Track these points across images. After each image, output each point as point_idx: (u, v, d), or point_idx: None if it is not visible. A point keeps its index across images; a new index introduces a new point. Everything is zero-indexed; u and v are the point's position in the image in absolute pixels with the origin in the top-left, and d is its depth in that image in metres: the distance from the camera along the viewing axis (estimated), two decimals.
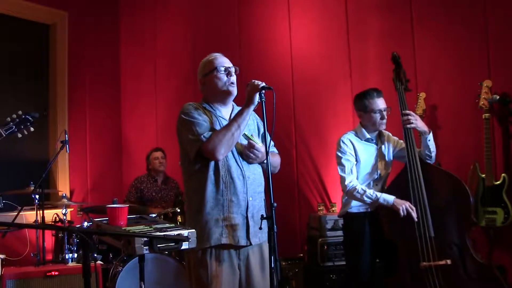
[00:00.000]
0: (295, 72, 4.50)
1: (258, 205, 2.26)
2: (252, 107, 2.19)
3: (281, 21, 4.59)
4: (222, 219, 2.21)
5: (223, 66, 2.30)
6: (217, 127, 2.26)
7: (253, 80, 2.21)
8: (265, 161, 2.30)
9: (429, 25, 3.59)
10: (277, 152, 2.51)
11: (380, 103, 2.99)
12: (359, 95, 3.09)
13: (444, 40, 3.50)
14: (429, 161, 3.02)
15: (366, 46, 4.01)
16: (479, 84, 3.13)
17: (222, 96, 2.32)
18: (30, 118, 2.97)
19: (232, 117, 2.31)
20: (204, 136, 2.19)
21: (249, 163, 2.29)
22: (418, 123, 2.93)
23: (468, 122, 3.33)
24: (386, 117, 2.99)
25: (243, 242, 2.22)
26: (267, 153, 2.08)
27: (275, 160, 2.43)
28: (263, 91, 2.13)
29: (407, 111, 2.96)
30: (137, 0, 6.02)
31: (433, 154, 3.00)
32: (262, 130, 2.45)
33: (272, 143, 2.51)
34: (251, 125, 2.38)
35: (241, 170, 2.26)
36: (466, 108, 3.33)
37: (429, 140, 2.95)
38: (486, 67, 3.27)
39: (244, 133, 2.28)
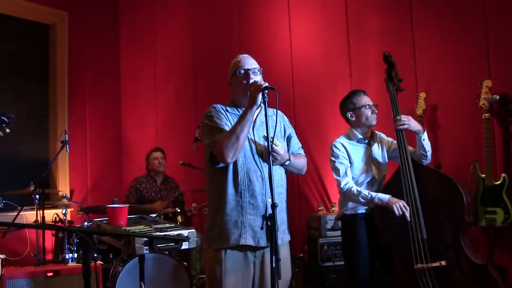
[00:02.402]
0: (295, 72, 4.50)
1: (278, 206, 2.25)
2: (255, 108, 2.19)
3: (281, 21, 4.59)
4: (241, 220, 2.22)
5: (243, 69, 2.31)
6: None
7: (256, 80, 2.21)
8: (286, 163, 2.30)
9: (429, 25, 3.59)
10: (304, 155, 2.50)
11: (368, 98, 3.03)
12: (344, 98, 3.12)
13: (444, 40, 3.50)
14: (424, 161, 3.00)
15: (366, 46, 4.01)
16: (479, 84, 3.13)
17: (243, 97, 2.32)
18: (5, 119, 2.94)
19: (256, 118, 2.33)
20: (214, 141, 2.21)
21: (271, 164, 2.28)
22: (411, 123, 2.91)
23: (468, 122, 3.33)
24: (376, 111, 3.01)
25: (263, 243, 2.23)
26: (269, 153, 2.07)
27: (299, 162, 2.42)
28: (266, 91, 2.13)
29: (398, 116, 2.93)
30: (137, 0, 6.02)
31: (429, 154, 2.99)
32: (288, 132, 2.45)
33: (299, 144, 2.51)
34: (276, 126, 2.34)
35: (261, 172, 2.26)
36: (466, 108, 3.33)
37: (423, 140, 2.93)
38: (486, 67, 3.27)
39: (264, 135, 2.27)
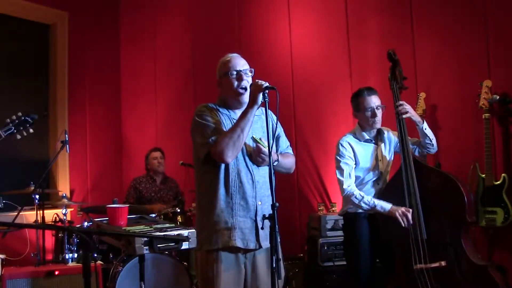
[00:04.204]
0: (295, 72, 4.50)
1: (267, 209, 2.24)
2: (256, 108, 2.18)
3: (281, 21, 4.59)
4: (231, 222, 2.21)
5: (235, 70, 2.29)
6: None
7: (257, 80, 2.20)
8: (275, 163, 2.29)
9: (429, 25, 3.59)
10: (292, 154, 2.50)
11: (372, 101, 2.95)
12: (353, 95, 3.08)
13: (444, 40, 3.50)
14: (431, 150, 3.00)
15: (366, 46, 4.00)
16: (479, 84, 3.13)
17: (234, 99, 2.31)
18: (29, 120, 2.97)
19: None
20: (212, 140, 2.20)
21: (258, 166, 2.29)
22: (412, 111, 2.92)
23: (468, 122, 3.33)
24: (378, 115, 2.95)
25: (252, 245, 2.23)
26: (270, 154, 2.07)
27: (288, 161, 2.41)
28: (267, 91, 2.12)
29: (400, 102, 2.92)
30: (137, 0, 6.02)
31: (434, 142, 2.98)
32: (277, 132, 2.43)
33: (287, 143, 2.50)
34: (264, 127, 2.33)
35: (251, 174, 2.26)
36: (466, 108, 3.33)
37: (425, 129, 2.94)
38: (486, 67, 3.27)
39: (253, 137, 2.27)
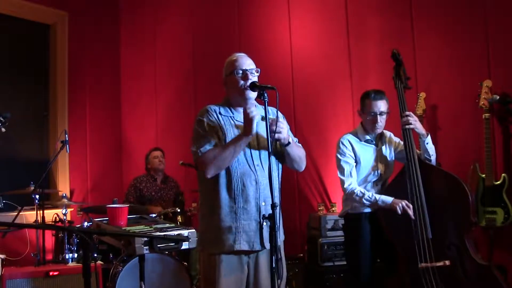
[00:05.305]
0: (295, 72, 4.50)
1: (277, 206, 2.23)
2: (250, 137, 2.17)
3: (281, 21, 4.59)
4: (235, 226, 2.20)
5: (241, 69, 2.27)
6: (229, 135, 2.24)
7: (248, 110, 2.15)
8: (290, 141, 2.25)
9: (429, 25, 3.59)
10: (301, 146, 2.47)
11: (377, 105, 2.93)
12: (362, 94, 3.06)
13: (444, 40, 3.50)
14: None
15: (366, 46, 4.01)
16: (479, 84, 3.13)
17: (239, 98, 2.30)
18: (1, 119, 2.94)
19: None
20: (200, 151, 2.21)
21: (274, 138, 2.17)
22: (417, 124, 2.91)
23: (468, 122, 3.34)
24: (380, 121, 2.94)
25: (257, 247, 2.21)
26: (269, 153, 2.07)
27: (299, 150, 2.37)
28: (266, 92, 2.12)
29: (407, 112, 2.93)
30: (137, 0, 6.02)
31: (433, 158, 2.97)
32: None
33: (296, 139, 2.48)
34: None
35: (255, 175, 2.24)
36: (466, 108, 3.33)
37: (427, 143, 2.93)
38: (486, 67, 3.27)
39: (262, 115, 2.19)
